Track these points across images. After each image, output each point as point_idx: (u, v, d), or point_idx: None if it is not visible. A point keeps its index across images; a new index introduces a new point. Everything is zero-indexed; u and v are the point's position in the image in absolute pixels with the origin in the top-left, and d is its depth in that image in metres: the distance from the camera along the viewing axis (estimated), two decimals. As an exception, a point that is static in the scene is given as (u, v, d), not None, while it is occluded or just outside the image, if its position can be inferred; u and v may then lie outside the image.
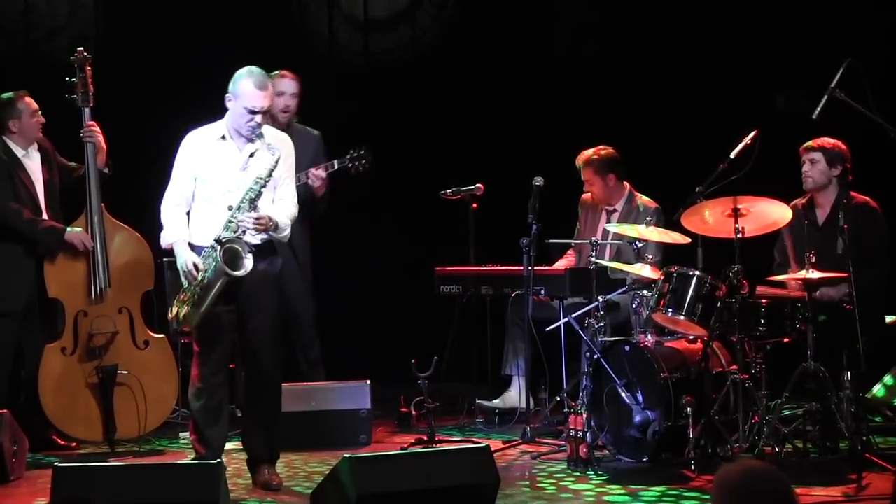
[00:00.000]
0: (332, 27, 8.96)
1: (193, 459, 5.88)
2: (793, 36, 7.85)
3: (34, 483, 5.94)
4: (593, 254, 6.55)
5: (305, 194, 6.98)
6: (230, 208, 5.64)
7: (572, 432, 6.07)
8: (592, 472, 5.93)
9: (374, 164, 7.32)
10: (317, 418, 6.70)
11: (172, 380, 6.83)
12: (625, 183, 7.28)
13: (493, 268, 7.22)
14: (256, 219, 5.62)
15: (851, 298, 5.84)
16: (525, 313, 6.80)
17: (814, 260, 5.91)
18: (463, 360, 7.28)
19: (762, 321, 6.00)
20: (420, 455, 5.75)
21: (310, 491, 5.38)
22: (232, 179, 5.71)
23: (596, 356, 6.26)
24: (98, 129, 6.75)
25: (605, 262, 6.72)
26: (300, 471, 6.17)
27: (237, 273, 5.60)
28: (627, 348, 6.25)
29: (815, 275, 5.88)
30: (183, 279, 5.74)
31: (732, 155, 6.27)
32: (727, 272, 5.97)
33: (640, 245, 6.58)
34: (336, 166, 7.00)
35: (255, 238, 5.69)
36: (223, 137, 5.76)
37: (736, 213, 5.97)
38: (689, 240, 6.33)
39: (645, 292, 6.34)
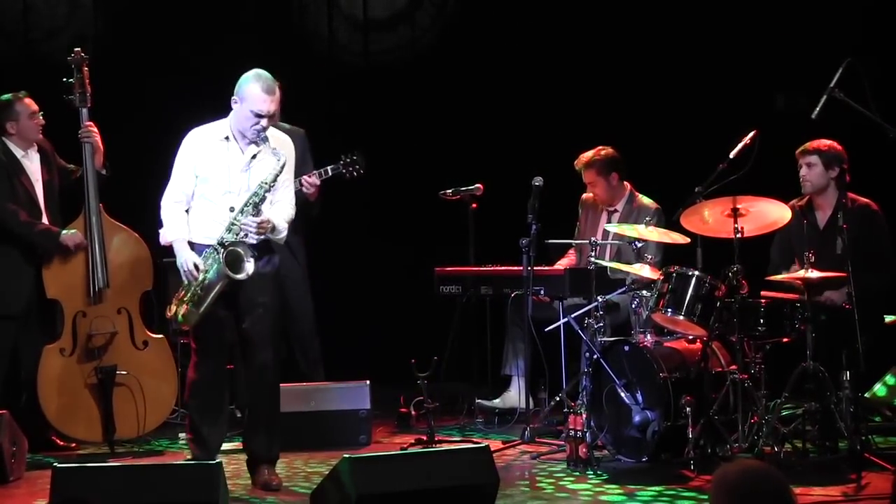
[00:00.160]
0: (332, 27, 8.97)
1: (189, 460, 5.89)
2: (792, 36, 7.85)
3: (34, 483, 5.94)
4: (593, 254, 6.55)
5: (299, 199, 6.97)
6: (232, 210, 5.65)
7: (572, 432, 6.07)
8: (592, 472, 5.93)
9: (374, 165, 7.33)
10: (317, 418, 6.70)
11: (172, 380, 6.83)
12: (625, 183, 7.28)
13: (492, 268, 7.22)
14: (259, 223, 5.63)
15: (851, 298, 5.84)
16: (525, 313, 6.80)
17: (813, 260, 5.91)
18: (462, 361, 7.28)
19: (761, 321, 6.00)
20: (420, 455, 5.75)
21: (309, 491, 5.38)
22: (233, 180, 5.71)
23: (595, 356, 6.26)
24: (96, 129, 6.75)
25: (605, 263, 6.73)
26: (300, 471, 6.17)
27: (239, 276, 5.62)
28: (627, 348, 6.25)
29: (814, 274, 5.88)
30: (183, 278, 5.75)
31: (732, 155, 6.27)
32: (726, 272, 5.97)
33: (639, 245, 6.58)
34: (330, 172, 6.99)
35: (254, 239, 5.70)
36: (227, 138, 5.75)
37: (735, 214, 5.97)
38: (688, 240, 6.33)
39: (644, 292, 6.34)
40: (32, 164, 6.78)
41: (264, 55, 8.12)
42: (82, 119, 6.73)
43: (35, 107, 6.75)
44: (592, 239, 6.72)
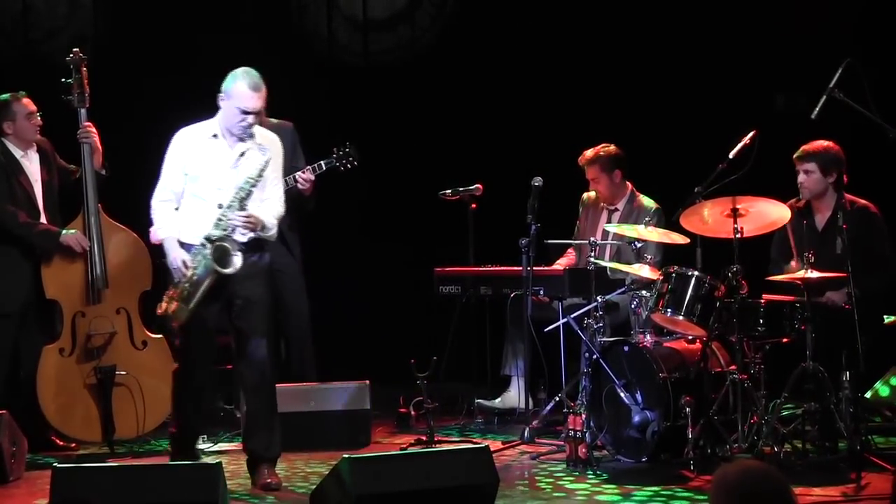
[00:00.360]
0: (332, 27, 8.97)
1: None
2: (792, 36, 7.84)
3: (33, 484, 5.94)
4: (592, 254, 6.55)
5: (294, 195, 6.99)
6: (220, 206, 5.68)
7: (571, 432, 6.07)
8: (591, 473, 5.93)
9: (374, 165, 7.33)
10: (316, 419, 6.70)
11: (171, 380, 6.81)
12: (627, 182, 7.28)
13: (492, 268, 7.22)
14: (246, 218, 5.67)
15: (850, 298, 5.84)
16: (524, 313, 6.79)
17: (812, 260, 5.91)
18: (462, 361, 7.28)
19: (761, 321, 6.00)
20: (419, 455, 5.75)
21: (309, 491, 5.38)
22: (222, 177, 5.74)
23: (595, 356, 6.26)
24: (94, 130, 6.75)
25: (605, 263, 6.73)
26: (300, 471, 6.17)
27: (227, 270, 5.65)
28: (626, 348, 6.25)
29: (814, 274, 5.88)
30: (173, 275, 5.78)
31: (731, 155, 6.27)
32: (726, 272, 5.97)
33: (639, 245, 6.58)
34: (324, 167, 6.99)
35: (243, 236, 5.73)
36: (215, 136, 5.80)
37: (735, 214, 5.96)
38: (688, 240, 6.32)
39: (644, 292, 6.34)
40: (32, 164, 6.78)
41: (264, 55, 8.12)
42: (81, 119, 6.73)
43: (33, 107, 6.74)
44: (592, 239, 6.72)
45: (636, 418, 6.09)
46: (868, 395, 6.67)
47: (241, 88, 5.72)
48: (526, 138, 8.30)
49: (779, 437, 5.82)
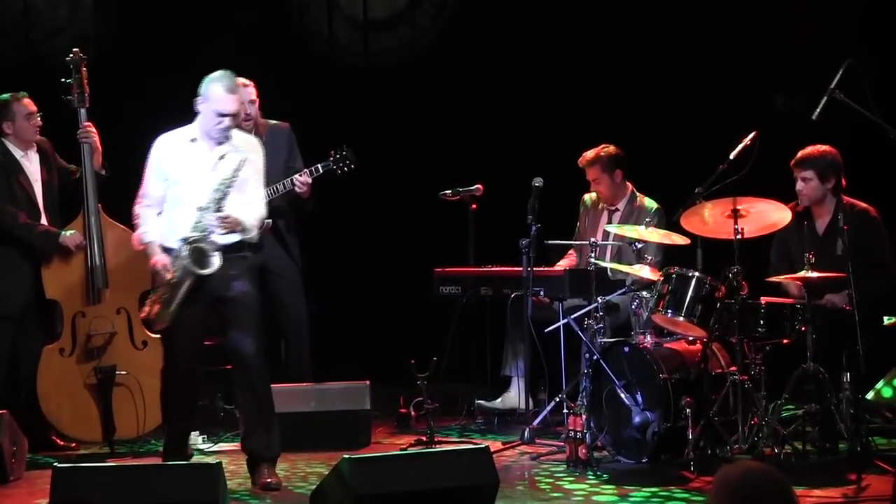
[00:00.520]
0: (332, 27, 8.97)
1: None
2: (792, 37, 7.84)
3: (34, 483, 5.94)
4: (593, 254, 6.55)
5: (292, 197, 7.00)
6: (199, 209, 5.72)
7: (572, 433, 6.07)
8: (592, 473, 5.93)
9: (374, 165, 7.33)
10: (316, 419, 6.70)
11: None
12: (627, 183, 7.28)
13: (492, 269, 7.22)
14: (222, 219, 5.70)
15: (851, 299, 5.83)
16: (524, 314, 6.79)
17: (813, 261, 5.91)
18: (462, 361, 7.28)
19: (761, 322, 6.00)
20: (419, 456, 5.75)
21: (309, 491, 5.38)
22: (202, 181, 5.78)
23: (595, 357, 6.26)
24: (94, 130, 6.75)
25: (605, 263, 6.73)
26: (300, 471, 6.17)
27: (204, 271, 5.69)
28: (627, 349, 6.25)
29: (815, 275, 5.88)
30: (154, 279, 5.84)
31: (732, 156, 6.27)
32: (726, 273, 5.97)
33: (639, 246, 6.58)
34: (321, 170, 6.99)
35: (224, 237, 5.76)
36: (194, 140, 5.85)
37: (735, 214, 5.96)
38: (688, 241, 6.32)
39: (644, 293, 6.34)
40: (32, 164, 6.78)
41: (265, 55, 8.15)
42: (81, 119, 6.73)
43: (33, 108, 6.74)
44: (592, 240, 6.72)
45: (636, 419, 6.09)
46: (870, 396, 6.66)
47: (218, 92, 5.77)
48: (526, 139, 8.30)
49: (779, 438, 5.82)
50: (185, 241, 5.70)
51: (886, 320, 6.44)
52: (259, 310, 5.96)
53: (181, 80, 7.99)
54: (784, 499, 2.90)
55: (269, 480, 5.78)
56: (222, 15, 8.55)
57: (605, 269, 6.70)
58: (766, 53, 7.93)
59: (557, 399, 6.79)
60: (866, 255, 6.14)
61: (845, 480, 5.58)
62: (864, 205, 6.39)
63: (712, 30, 8.06)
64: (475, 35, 8.65)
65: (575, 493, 5.63)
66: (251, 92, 7.05)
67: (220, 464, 5.00)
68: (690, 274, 6.09)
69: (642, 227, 6.53)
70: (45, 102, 6.81)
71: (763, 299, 6.10)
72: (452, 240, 7.50)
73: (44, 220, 6.74)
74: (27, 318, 6.73)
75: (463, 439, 6.89)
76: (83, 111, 6.74)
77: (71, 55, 6.74)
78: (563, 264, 7.32)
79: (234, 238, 5.80)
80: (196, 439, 6.60)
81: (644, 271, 6.36)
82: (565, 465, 6.07)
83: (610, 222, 7.16)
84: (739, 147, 6.29)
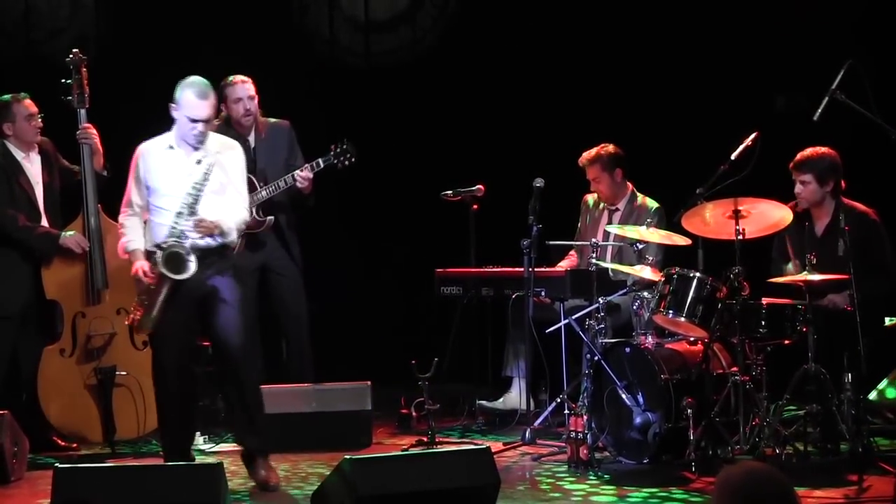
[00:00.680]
0: (333, 28, 8.97)
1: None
2: (793, 37, 7.84)
3: (35, 484, 5.94)
4: (594, 255, 6.55)
5: (293, 193, 7.01)
6: (176, 214, 5.77)
7: (573, 434, 6.07)
8: (593, 474, 5.93)
9: (375, 166, 7.33)
10: (318, 419, 6.70)
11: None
12: (627, 182, 7.28)
13: (493, 269, 7.22)
14: (197, 223, 5.74)
15: (852, 300, 5.83)
16: (526, 315, 6.79)
17: (814, 262, 5.91)
18: (463, 362, 7.28)
19: (763, 323, 5.99)
20: (420, 456, 5.76)
21: (310, 492, 5.38)
22: (181, 186, 5.82)
23: (596, 358, 6.26)
24: (94, 131, 6.75)
25: (606, 264, 6.73)
26: (301, 472, 6.17)
27: (179, 276, 5.72)
28: (628, 350, 6.25)
29: (816, 276, 5.88)
30: (136, 286, 5.88)
31: (733, 156, 6.27)
32: (728, 274, 5.97)
33: (641, 247, 6.57)
34: (322, 164, 7.00)
35: (202, 241, 5.80)
36: (171, 147, 5.92)
37: (737, 215, 5.96)
38: (689, 241, 6.32)
39: (646, 294, 6.34)
40: (33, 165, 6.78)
41: (265, 57, 8.15)
42: (80, 120, 6.73)
43: (34, 109, 6.74)
44: (594, 240, 6.72)
45: (638, 420, 6.09)
46: (874, 396, 6.65)
47: (189, 98, 5.82)
48: (527, 139, 8.30)
49: (780, 438, 5.81)
50: (158, 247, 5.76)
51: (888, 321, 6.44)
52: (243, 305, 5.97)
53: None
54: (786, 499, 2.90)
55: (267, 478, 5.78)
56: (223, 16, 8.55)
57: (607, 269, 6.69)
58: (767, 54, 7.93)
59: (558, 400, 6.79)
60: (865, 257, 6.14)
61: (847, 481, 5.58)
62: (863, 207, 6.39)
63: (713, 30, 8.06)
64: (476, 36, 8.64)
65: (574, 493, 5.63)
66: (250, 88, 7.06)
67: (221, 464, 5.00)
68: (692, 274, 6.09)
69: (643, 227, 6.52)
70: (47, 103, 6.81)
71: (764, 300, 6.10)
72: (453, 240, 7.50)
73: (44, 222, 6.74)
74: (28, 318, 6.73)
75: (464, 440, 6.89)
76: (83, 112, 6.74)
77: (71, 56, 6.74)
78: (563, 265, 7.32)
79: (213, 242, 5.84)
80: (197, 440, 6.60)
81: (645, 272, 6.36)
82: (566, 466, 6.07)
83: (610, 222, 7.16)
84: (741, 148, 6.29)
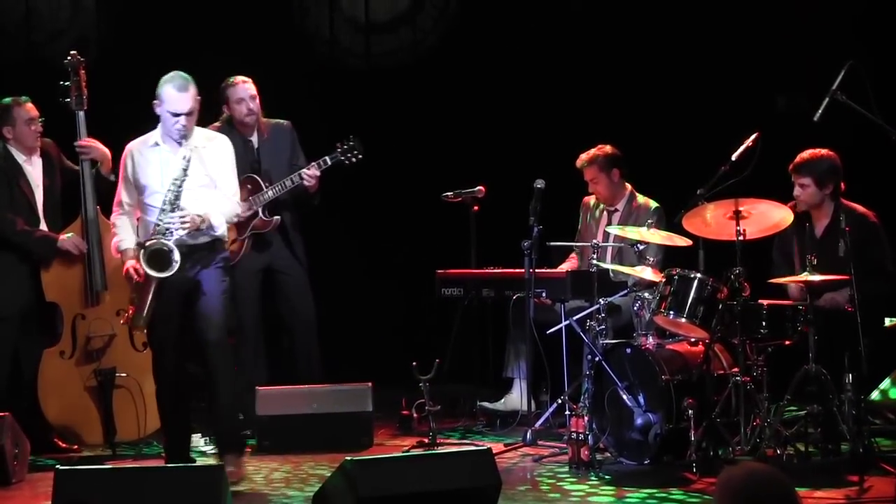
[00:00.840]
0: (334, 29, 8.97)
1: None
2: (794, 38, 7.84)
3: (36, 486, 5.94)
4: (594, 256, 6.55)
5: (299, 192, 7.02)
6: (160, 210, 5.81)
7: (574, 435, 6.07)
8: (594, 475, 5.93)
9: (376, 167, 7.32)
10: (318, 421, 6.70)
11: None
12: (626, 183, 7.28)
13: (494, 270, 7.22)
14: (181, 218, 5.75)
15: (853, 301, 5.83)
16: (526, 316, 6.79)
17: (815, 263, 5.91)
18: (464, 363, 7.28)
19: (763, 324, 5.99)
20: (421, 458, 5.76)
21: (311, 493, 5.38)
22: (167, 183, 5.85)
23: (597, 359, 6.26)
24: (93, 144, 6.72)
25: (607, 265, 6.72)
26: (302, 473, 6.17)
27: (162, 273, 5.75)
28: (629, 351, 6.25)
29: (817, 277, 5.88)
30: (129, 285, 5.92)
31: (734, 157, 6.26)
32: (728, 274, 5.97)
33: (641, 247, 6.57)
34: (329, 162, 7.01)
35: (190, 238, 5.83)
36: (156, 144, 5.96)
37: (737, 216, 5.96)
38: (690, 242, 6.32)
39: (646, 294, 6.34)
40: (34, 169, 6.77)
41: (266, 58, 8.15)
42: (78, 122, 6.72)
43: (34, 113, 6.73)
44: (595, 241, 6.72)
45: (639, 421, 6.09)
46: (877, 396, 6.65)
47: (169, 92, 5.88)
48: (528, 140, 8.30)
49: (781, 439, 5.82)
50: (141, 244, 5.80)
51: (888, 321, 6.44)
52: (227, 298, 5.98)
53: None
54: (787, 500, 2.90)
55: (231, 476, 5.75)
56: (223, 18, 8.55)
57: (607, 270, 6.69)
58: (768, 54, 7.93)
59: (559, 401, 6.79)
60: (864, 259, 6.13)
61: (848, 482, 5.58)
62: (862, 209, 6.39)
63: (713, 31, 8.06)
64: (477, 37, 8.65)
65: (573, 493, 5.63)
66: (251, 88, 7.08)
67: (222, 466, 4.99)
68: (692, 275, 6.09)
69: (644, 228, 6.52)
70: (47, 105, 6.80)
71: (763, 301, 6.09)
72: (454, 241, 7.50)
73: (43, 226, 6.73)
74: (28, 321, 6.73)
75: (465, 441, 6.89)
76: (81, 113, 6.74)
77: (69, 58, 6.73)
78: (566, 267, 7.32)
79: (202, 236, 5.88)
80: (198, 441, 6.60)
81: (646, 272, 6.36)
82: (568, 467, 6.07)
83: (610, 223, 7.16)
84: (741, 148, 6.29)
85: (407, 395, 7.10)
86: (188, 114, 5.88)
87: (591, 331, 6.38)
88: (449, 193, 7.38)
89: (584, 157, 7.24)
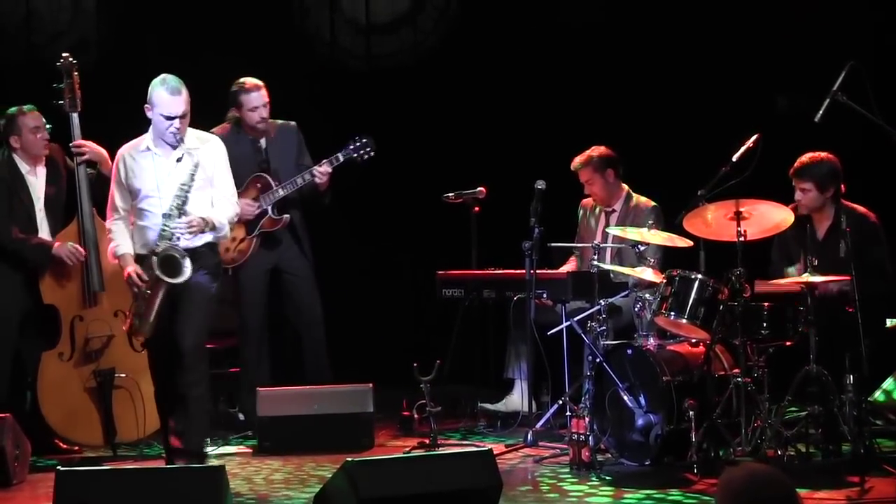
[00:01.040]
0: (334, 31, 8.97)
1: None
2: (794, 38, 7.85)
3: (37, 487, 5.94)
4: (595, 257, 6.55)
5: (309, 190, 7.03)
6: (164, 216, 5.78)
7: (575, 436, 6.07)
8: (595, 476, 5.93)
9: (376, 168, 7.32)
10: (319, 421, 6.69)
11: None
12: (622, 183, 7.29)
13: (495, 271, 7.22)
14: (188, 223, 5.77)
15: (854, 301, 5.83)
16: (527, 317, 6.79)
17: (816, 264, 5.90)
18: (465, 364, 7.28)
19: (764, 324, 5.99)
20: (422, 459, 5.75)
21: (312, 494, 5.38)
22: (162, 187, 5.86)
23: (598, 359, 6.26)
24: (87, 145, 6.72)
25: (607, 266, 6.72)
26: (303, 474, 6.17)
27: (176, 280, 5.74)
28: (630, 352, 6.24)
29: (818, 278, 5.88)
30: (132, 290, 5.87)
31: (735, 158, 6.26)
32: (729, 275, 5.96)
33: (642, 248, 6.57)
34: (341, 159, 7.03)
35: (194, 240, 5.84)
36: (148, 148, 5.94)
37: (738, 216, 5.96)
38: (691, 243, 6.32)
39: (647, 295, 6.34)
40: (38, 180, 6.75)
41: (266, 59, 8.15)
42: (72, 124, 6.72)
43: (39, 121, 6.71)
44: (595, 243, 6.72)
45: (639, 422, 6.09)
46: (880, 397, 6.65)
47: (161, 95, 5.85)
48: (529, 141, 8.30)
49: (782, 440, 5.81)
50: (153, 252, 5.77)
51: (889, 322, 6.44)
52: (209, 304, 5.98)
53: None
54: (788, 501, 2.90)
55: None
56: (224, 19, 8.55)
57: (608, 271, 6.69)
58: (768, 55, 7.93)
59: (560, 402, 6.79)
60: (864, 260, 6.13)
61: (849, 483, 5.58)
62: (862, 209, 6.39)
63: (714, 31, 8.07)
64: (477, 38, 8.65)
65: (571, 493, 5.63)
66: (265, 94, 7.08)
67: (223, 466, 4.99)
68: (693, 276, 6.08)
69: (645, 229, 6.52)
70: (47, 107, 6.80)
71: (757, 283, 6.07)
72: (455, 242, 7.50)
73: (40, 236, 6.71)
74: (28, 323, 6.72)
75: (466, 442, 6.89)
76: (75, 116, 6.73)
77: (62, 60, 6.72)
78: (567, 268, 7.32)
79: (206, 239, 5.89)
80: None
81: (646, 273, 6.36)
82: (568, 468, 6.07)
83: (608, 224, 7.16)
84: (742, 149, 6.28)
85: (408, 396, 7.09)
86: (182, 117, 5.86)
87: (591, 332, 6.38)
88: (450, 194, 7.38)
89: (578, 159, 7.25)
